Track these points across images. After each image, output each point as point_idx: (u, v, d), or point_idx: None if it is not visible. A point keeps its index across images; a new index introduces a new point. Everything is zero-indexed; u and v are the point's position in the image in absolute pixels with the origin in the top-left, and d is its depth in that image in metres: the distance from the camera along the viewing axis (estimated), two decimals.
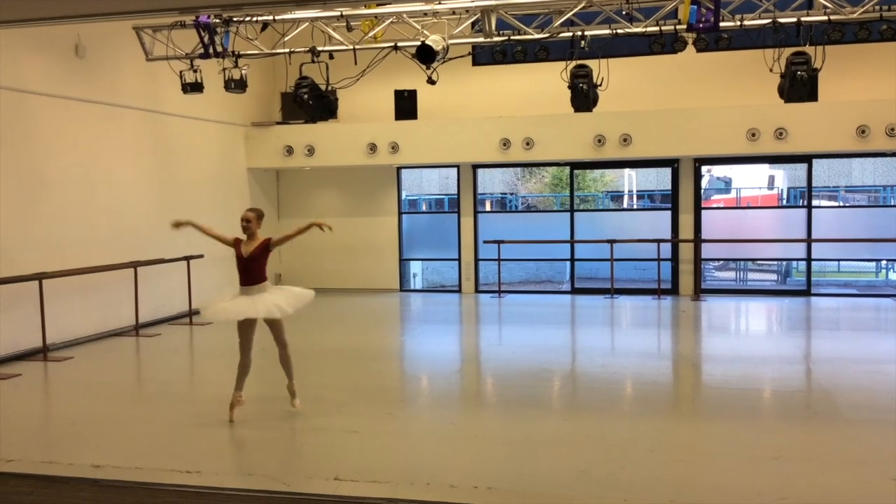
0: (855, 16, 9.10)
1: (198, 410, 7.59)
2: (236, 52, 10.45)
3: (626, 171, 20.34)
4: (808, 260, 14.72)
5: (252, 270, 7.12)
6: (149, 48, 11.06)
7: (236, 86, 10.66)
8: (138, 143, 12.31)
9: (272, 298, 7.03)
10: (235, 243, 7.15)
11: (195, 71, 10.79)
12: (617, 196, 21.84)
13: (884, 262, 16.58)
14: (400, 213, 16.19)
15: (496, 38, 10.01)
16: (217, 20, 9.95)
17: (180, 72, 10.80)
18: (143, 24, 10.79)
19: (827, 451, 6.15)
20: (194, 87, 10.82)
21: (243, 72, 10.68)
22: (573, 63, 10.33)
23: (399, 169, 16.13)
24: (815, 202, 14.86)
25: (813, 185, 14.70)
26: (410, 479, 5.65)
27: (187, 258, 12.58)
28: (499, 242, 15.20)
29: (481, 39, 10.13)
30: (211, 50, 10.12)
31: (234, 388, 7.07)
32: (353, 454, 6.21)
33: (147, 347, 10.91)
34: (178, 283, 12.60)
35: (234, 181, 15.11)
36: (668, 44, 9.73)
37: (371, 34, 10.24)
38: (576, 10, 9.61)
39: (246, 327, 7.05)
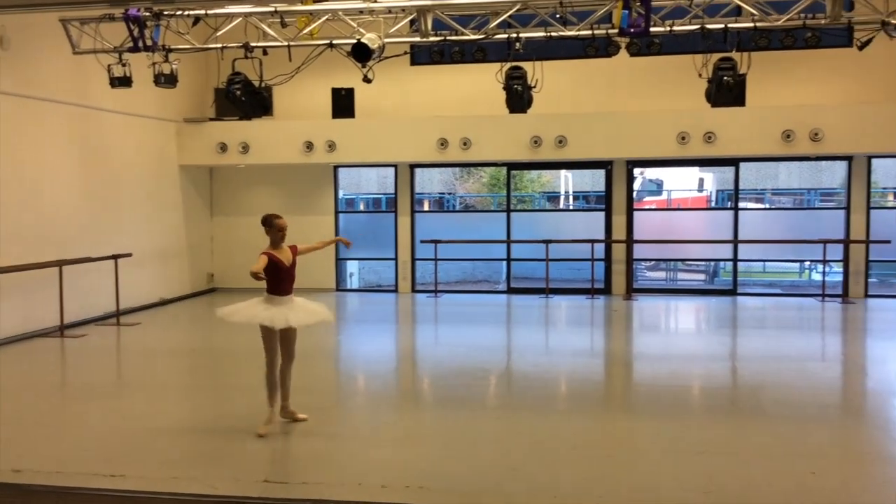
0: (780, 23, 9.39)
1: (124, 413, 7.41)
2: (167, 47, 10.22)
3: (563, 172, 20.59)
4: (735, 260, 15.14)
5: (291, 279, 6.79)
6: (76, 41, 10.73)
7: (166, 80, 10.43)
8: (65, 139, 11.94)
9: (294, 314, 6.69)
10: (271, 258, 6.61)
11: (124, 65, 10.53)
12: (553, 197, 22.08)
13: (807, 263, 17.15)
14: (337, 213, 16.09)
15: (432, 38, 10.02)
16: (147, 13, 9.73)
17: (108, 66, 10.52)
18: (69, 16, 10.48)
19: (750, 445, 6.33)
20: (122, 82, 10.55)
21: (174, 66, 10.46)
22: (508, 65, 10.42)
23: (336, 168, 16.02)
24: (742, 204, 15.28)
25: (740, 187, 15.13)
26: (341, 480, 5.62)
27: (115, 257, 12.28)
28: (435, 242, 15.23)
29: (417, 39, 10.13)
30: (140, 44, 9.89)
31: (268, 405, 6.72)
32: (282, 456, 6.15)
33: (72, 348, 10.60)
34: (106, 282, 12.27)
35: (166, 178, 14.79)
36: (601, 48, 9.89)
37: (306, 31, 10.15)
38: (511, 11, 9.69)
39: (276, 335, 6.68)
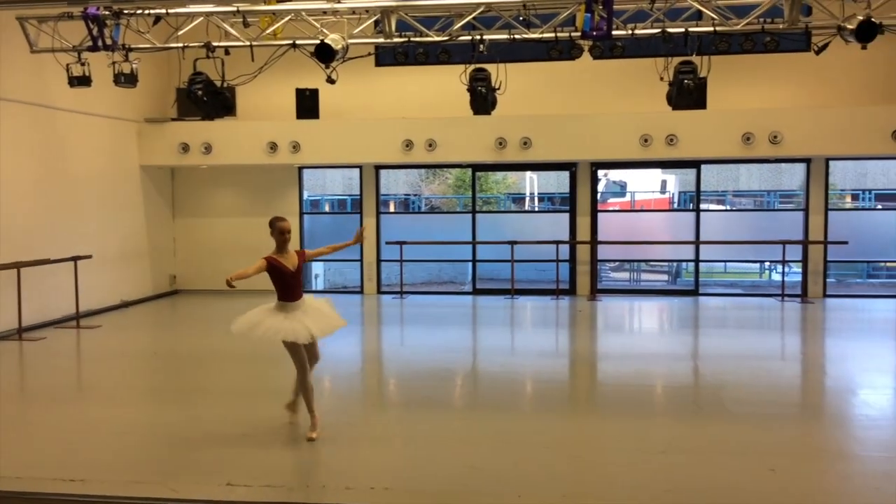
0: (739, 27, 9.54)
1: (83, 417, 7.30)
2: (127, 46, 10.09)
3: (528, 173, 20.71)
4: (697, 261, 15.34)
5: (298, 285, 6.60)
6: (33, 40, 10.56)
7: (126, 80, 10.29)
8: (22, 139, 11.70)
9: (313, 322, 6.52)
10: (273, 263, 6.43)
11: (83, 64, 10.37)
12: (518, 198, 22.21)
13: (767, 264, 17.44)
14: (301, 214, 15.99)
15: (396, 39, 10.02)
16: (107, 12, 9.59)
17: (67, 65, 10.35)
18: (27, 14, 10.30)
19: (710, 444, 6.42)
20: (81, 81, 10.39)
21: (134, 66, 10.32)
22: (472, 66, 10.45)
23: (301, 169, 15.93)
24: (704, 206, 15.48)
25: (702, 189, 15.33)
26: (305, 482, 5.60)
27: (75, 258, 12.08)
28: (401, 243, 15.21)
29: (381, 40, 10.11)
30: (100, 43, 9.74)
31: (308, 412, 6.62)
32: (246, 458, 6.09)
33: (31, 352, 10.40)
34: (65, 284, 12.07)
35: (126, 179, 14.58)
36: (565, 50, 9.96)
37: (269, 31, 10.08)
38: (475, 13, 9.72)
39: (299, 345, 6.52)
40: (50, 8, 9.91)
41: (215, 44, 10.14)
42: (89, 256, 12.45)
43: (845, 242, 14.36)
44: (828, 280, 14.98)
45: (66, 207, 12.67)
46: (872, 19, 8.71)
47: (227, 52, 10.27)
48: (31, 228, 11.77)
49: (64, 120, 12.58)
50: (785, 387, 8.50)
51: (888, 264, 16.52)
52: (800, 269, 14.94)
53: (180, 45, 10.23)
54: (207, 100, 10.53)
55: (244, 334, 6.44)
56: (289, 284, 6.50)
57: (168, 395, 8.39)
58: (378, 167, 15.70)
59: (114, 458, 6.15)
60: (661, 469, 5.78)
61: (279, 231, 6.49)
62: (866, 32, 8.71)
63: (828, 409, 7.72)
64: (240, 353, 10.34)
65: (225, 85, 10.62)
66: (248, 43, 10.12)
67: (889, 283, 16.80)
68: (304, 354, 6.55)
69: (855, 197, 19.43)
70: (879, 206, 18.30)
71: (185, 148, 14.79)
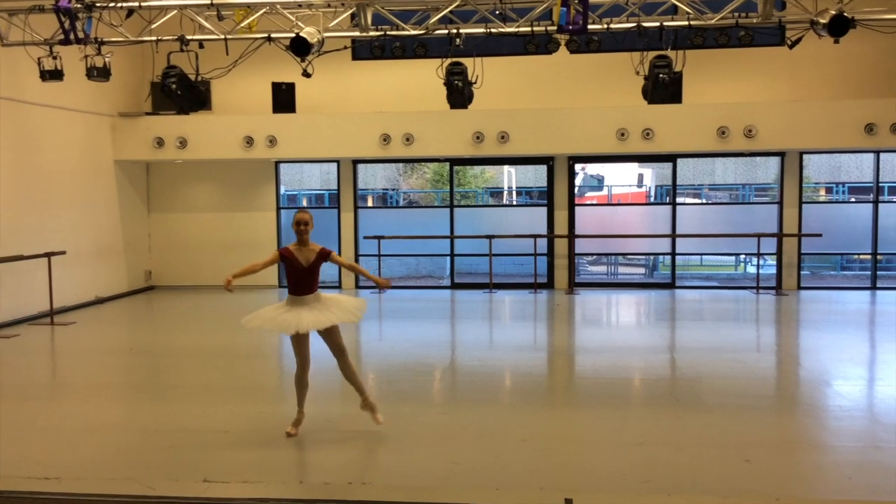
0: (713, 22, 9.60)
1: (58, 414, 7.23)
2: (99, 39, 9.96)
3: (506, 168, 20.72)
4: (673, 254, 15.45)
5: (309, 280, 6.42)
6: (4, 33, 10.39)
7: (99, 74, 10.17)
8: None
9: (309, 315, 6.33)
10: (284, 254, 6.34)
11: (55, 58, 10.22)
12: (497, 192, 22.23)
13: (742, 256, 17.59)
14: (278, 209, 15.91)
15: (373, 33, 9.98)
16: (78, 5, 9.46)
17: (38, 59, 10.21)
18: None
19: (687, 435, 6.47)
20: (53, 75, 10.25)
21: (107, 59, 10.20)
22: (449, 60, 10.45)
23: (277, 163, 15.84)
24: (679, 199, 15.59)
25: (678, 183, 15.44)
26: (282, 478, 5.57)
27: (48, 255, 11.93)
28: (379, 238, 15.19)
29: (357, 34, 10.07)
30: (72, 36, 9.61)
31: (297, 406, 6.55)
32: (224, 454, 6.05)
33: (4, 349, 10.27)
34: (39, 280, 11.93)
35: (100, 174, 14.42)
36: (542, 44, 9.98)
37: (244, 24, 10.00)
38: (451, 7, 9.70)
39: (300, 339, 6.45)
40: (20, 0, 9.76)
41: (189, 37, 10.04)
42: (63, 252, 12.31)
43: (819, 235, 14.54)
44: (802, 272, 15.15)
45: (39, 203, 12.51)
46: (844, 13, 8.80)
47: (201, 46, 10.18)
48: (4, 224, 11.61)
49: (36, 114, 12.41)
50: (760, 378, 8.58)
51: (861, 256, 16.70)
52: (774, 262, 15.09)
53: (154, 38, 10.13)
54: (182, 94, 10.44)
55: (246, 325, 6.39)
56: (298, 279, 6.38)
57: (144, 391, 8.32)
58: (355, 161, 15.65)
59: (89, 455, 6.09)
60: (638, 461, 5.82)
61: (294, 222, 6.40)
62: (839, 26, 8.80)
63: (802, 401, 7.80)
64: (216, 349, 10.30)
65: (199, 79, 10.52)
66: (222, 36, 10.03)
67: (862, 275, 16.98)
68: (305, 350, 6.50)
69: (829, 190, 19.61)
70: (853, 199, 18.49)
71: (160, 142, 14.65)
